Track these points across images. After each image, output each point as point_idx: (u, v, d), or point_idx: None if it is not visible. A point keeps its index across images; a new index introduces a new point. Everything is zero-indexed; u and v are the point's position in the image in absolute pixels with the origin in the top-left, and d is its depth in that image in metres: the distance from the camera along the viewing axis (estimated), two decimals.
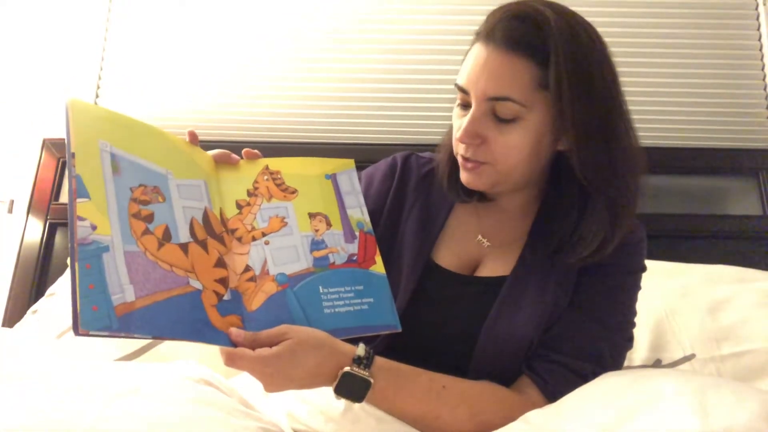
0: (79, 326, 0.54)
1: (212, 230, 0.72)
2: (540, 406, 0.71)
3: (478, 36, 0.79)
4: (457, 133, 0.79)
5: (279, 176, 0.81)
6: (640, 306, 0.86)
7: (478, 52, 0.76)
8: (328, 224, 0.79)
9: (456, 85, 0.80)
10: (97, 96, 1.77)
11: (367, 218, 0.82)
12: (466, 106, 0.79)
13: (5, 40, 1.78)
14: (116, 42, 1.80)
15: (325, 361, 0.67)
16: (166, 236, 0.67)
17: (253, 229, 0.75)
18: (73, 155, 0.63)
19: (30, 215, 1.67)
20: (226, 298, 0.69)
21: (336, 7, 1.77)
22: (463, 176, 0.82)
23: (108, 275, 0.59)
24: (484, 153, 0.77)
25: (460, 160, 0.81)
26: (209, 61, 1.77)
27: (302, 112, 1.73)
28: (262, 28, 1.77)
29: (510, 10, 0.76)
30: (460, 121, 0.79)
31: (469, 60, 0.78)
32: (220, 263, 0.71)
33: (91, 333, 0.55)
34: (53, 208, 1.68)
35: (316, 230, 0.78)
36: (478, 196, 0.89)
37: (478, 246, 0.88)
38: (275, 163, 0.82)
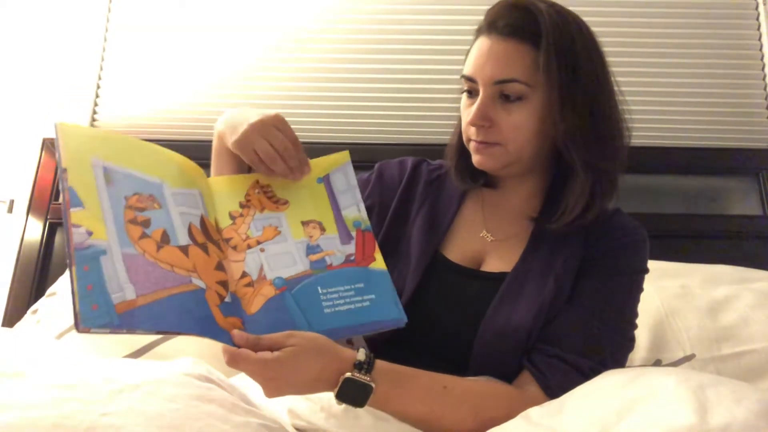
0: (80, 323, 0.54)
1: (210, 236, 0.72)
2: (540, 402, 0.71)
3: (480, 30, 0.85)
4: (467, 118, 0.84)
5: (270, 189, 0.81)
6: (640, 306, 0.86)
7: (482, 42, 0.83)
8: (322, 230, 0.79)
9: (462, 75, 0.85)
10: (97, 95, 1.77)
11: (365, 215, 0.81)
12: (473, 93, 0.84)
13: (5, 41, 1.78)
14: (116, 41, 1.80)
15: (326, 368, 0.67)
16: (165, 239, 0.66)
17: (248, 237, 0.75)
18: (64, 170, 0.62)
19: (30, 215, 1.67)
20: (227, 300, 0.68)
21: (336, 7, 1.77)
22: (475, 159, 0.86)
23: (107, 276, 0.59)
24: (494, 134, 0.82)
25: (472, 145, 0.86)
26: (208, 60, 1.77)
27: (302, 112, 1.73)
28: (261, 29, 1.77)
29: (508, 2, 0.83)
30: (469, 109, 0.84)
31: (473, 51, 0.84)
32: (220, 267, 0.71)
33: (92, 330, 0.55)
34: (53, 207, 1.68)
35: (311, 236, 0.78)
36: (484, 181, 0.93)
37: (482, 241, 0.91)
38: (266, 177, 0.82)
